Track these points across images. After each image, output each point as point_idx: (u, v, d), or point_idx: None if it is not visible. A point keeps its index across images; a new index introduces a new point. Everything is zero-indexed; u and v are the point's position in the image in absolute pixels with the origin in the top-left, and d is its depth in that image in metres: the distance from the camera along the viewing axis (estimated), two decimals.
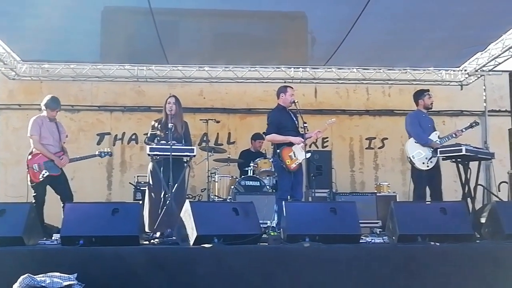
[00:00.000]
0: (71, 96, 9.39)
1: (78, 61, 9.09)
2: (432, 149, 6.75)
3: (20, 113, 9.44)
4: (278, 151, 6.43)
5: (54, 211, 6.46)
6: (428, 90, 7.21)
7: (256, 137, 8.86)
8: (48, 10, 6.97)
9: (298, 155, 6.37)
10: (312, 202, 6.86)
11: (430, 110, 7.15)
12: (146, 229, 5.99)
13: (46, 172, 6.47)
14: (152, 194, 6.38)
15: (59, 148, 6.70)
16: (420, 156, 6.80)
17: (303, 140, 6.35)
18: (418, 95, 7.19)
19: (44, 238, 5.50)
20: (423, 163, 6.79)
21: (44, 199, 6.48)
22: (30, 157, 6.52)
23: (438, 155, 6.61)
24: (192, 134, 7.00)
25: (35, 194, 6.45)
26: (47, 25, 7.40)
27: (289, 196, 6.36)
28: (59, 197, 6.57)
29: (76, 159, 6.92)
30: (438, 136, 6.94)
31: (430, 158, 6.78)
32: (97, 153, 7.18)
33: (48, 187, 6.58)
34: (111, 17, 7.68)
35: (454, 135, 6.94)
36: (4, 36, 8.06)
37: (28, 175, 6.48)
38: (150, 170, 6.43)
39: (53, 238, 5.64)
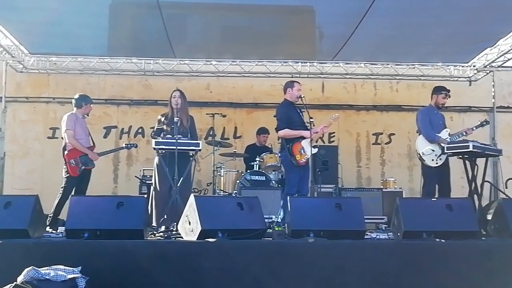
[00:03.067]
0: (78, 89, 9.26)
1: (85, 54, 9.11)
2: (441, 146, 6.72)
3: (27, 105, 9.50)
4: (288, 146, 6.42)
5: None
6: (448, 91, 7.10)
7: (261, 131, 8.84)
8: (56, 4, 6.99)
9: (307, 150, 6.35)
10: (317, 198, 6.84)
11: (439, 108, 7.10)
12: (153, 223, 6.02)
13: (82, 166, 6.68)
14: (158, 188, 6.39)
15: (90, 143, 6.94)
16: (430, 153, 6.78)
17: (313, 133, 6.34)
18: (435, 90, 7.15)
19: (50, 231, 5.53)
20: (433, 160, 6.77)
21: (71, 193, 6.57)
22: (67, 152, 6.66)
23: (446, 151, 6.57)
24: (198, 128, 7.00)
25: (65, 185, 6.61)
26: (55, 19, 7.42)
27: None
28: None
29: (106, 152, 7.23)
30: (449, 134, 6.91)
31: (440, 155, 6.75)
32: (124, 145, 7.66)
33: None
34: (119, 11, 7.70)
35: (464, 133, 6.93)
36: (12, 29, 8.09)
37: (65, 169, 6.64)
38: (156, 164, 6.44)
39: (58, 230, 5.68)
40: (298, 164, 6.36)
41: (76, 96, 7.02)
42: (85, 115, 7.05)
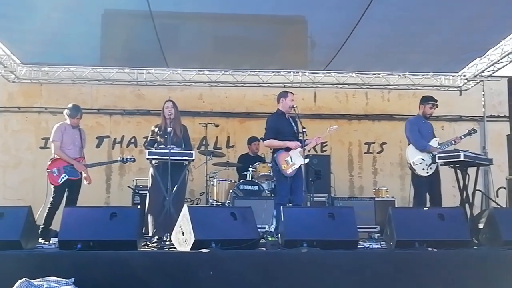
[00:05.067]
0: (70, 99, 9.26)
1: (78, 64, 9.11)
2: (432, 155, 6.76)
3: (19, 116, 9.48)
4: (274, 156, 6.45)
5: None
6: (435, 100, 7.14)
7: (251, 140, 8.88)
8: (48, 13, 6.97)
9: (295, 160, 6.36)
10: (310, 208, 6.85)
11: (427, 118, 7.15)
12: (150, 234, 6.03)
13: (65, 176, 6.63)
14: (152, 198, 6.38)
15: (79, 154, 6.89)
16: (420, 162, 6.81)
17: (299, 144, 6.36)
18: (422, 100, 7.20)
19: (42, 242, 5.50)
20: (423, 169, 6.79)
21: (59, 205, 6.57)
22: (49, 162, 6.68)
23: (437, 161, 6.61)
24: (191, 138, 7.00)
25: (53, 195, 6.60)
26: (47, 28, 7.41)
27: (289, 201, 6.36)
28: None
29: (99, 164, 7.18)
30: (438, 143, 6.95)
31: (430, 165, 6.78)
32: (119, 159, 7.51)
33: None
34: (111, 20, 7.69)
35: (453, 142, 6.95)
36: (4, 38, 8.07)
37: (48, 179, 6.63)
38: (151, 174, 6.43)
39: (50, 242, 5.65)
40: (285, 174, 6.37)
41: (70, 106, 6.99)
42: (78, 126, 6.99)
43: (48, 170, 6.63)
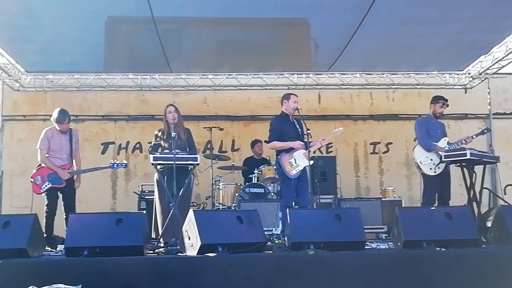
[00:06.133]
0: (75, 106, 9.42)
1: (82, 71, 9.14)
2: (439, 155, 6.73)
3: (25, 124, 9.51)
4: (278, 157, 6.43)
5: (61, 221, 6.49)
6: (445, 100, 7.13)
7: (254, 143, 8.90)
8: (52, 21, 7.01)
9: (299, 161, 6.35)
10: (316, 209, 6.83)
11: (437, 117, 7.13)
12: (161, 239, 6.00)
13: (48, 184, 6.54)
14: (159, 203, 6.38)
15: (68, 160, 6.74)
16: (427, 161, 6.79)
17: (302, 144, 6.34)
18: (433, 99, 7.20)
19: (49, 249, 5.50)
20: (430, 168, 6.77)
21: (55, 210, 6.55)
22: (34, 171, 6.64)
23: (443, 159, 6.58)
24: (196, 142, 7.00)
25: (47, 203, 6.54)
26: (51, 37, 7.46)
27: (294, 203, 6.34)
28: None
29: (88, 170, 6.90)
30: (448, 142, 6.92)
31: (438, 164, 6.75)
32: (109, 164, 6.99)
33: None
34: (114, 27, 7.72)
35: (464, 141, 6.91)
36: (8, 47, 8.11)
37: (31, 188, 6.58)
38: (156, 180, 6.43)
39: (57, 249, 5.65)
40: (288, 175, 6.35)
41: (56, 111, 6.78)
42: (67, 130, 6.81)
43: (31, 179, 6.58)
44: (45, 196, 6.57)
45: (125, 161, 7.13)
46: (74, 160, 6.84)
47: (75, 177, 6.76)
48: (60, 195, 6.66)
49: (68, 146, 6.77)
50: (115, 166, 7.01)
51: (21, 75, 9.07)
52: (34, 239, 4.80)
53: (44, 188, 6.53)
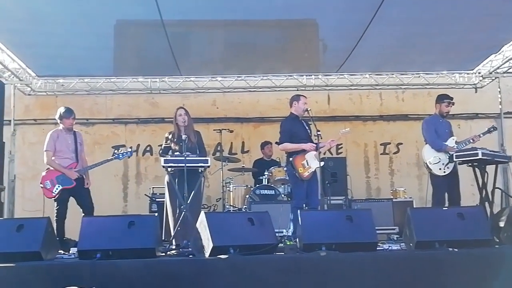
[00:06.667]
0: (85, 110, 9.48)
1: (92, 75, 9.20)
2: (449, 155, 6.70)
3: (36, 128, 9.56)
4: (290, 159, 6.43)
5: (73, 224, 6.49)
6: (450, 98, 7.08)
7: (264, 144, 8.93)
8: (61, 26, 7.06)
9: (311, 163, 6.35)
10: (327, 210, 6.83)
11: (444, 116, 7.09)
12: (174, 241, 6.01)
13: (59, 186, 6.52)
14: (170, 205, 6.40)
15: (75, 160, 6.72)
16: (436, 161, 6.76)
17: (314, 145, 6.34)
18: (438, 99, 7.15)
19: (62, 252, 5.53)
20: (440, 168, 6.74)
21: (65, 214, 6.55)
22: (44, 173, 6.62)
23: (454, 159, 6.55)
24: (206, 144, 7.02)
25: (57, 207, 6.52)
26: (60, 41, 7.50)
27: (304, 205, 6.34)
28: (81, 210, 6.61)
29: (92, 166, 6.84)
30: (456, 141, 6.89)
31: (447, 164, 6.73)
32: (114, 156, 6.90)
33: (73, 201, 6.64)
34: (124, 31, 7.75)
35: (471, 140, 6.88)
36: (19, 52, 8.18)
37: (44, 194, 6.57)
38: (167, 182, 6.45)
39: (70, 252, 5.68)
40: (301, 177, 6.35)
41: (61, 109, 6.84)
42: (72, 129, 6.83)
43: (40, 185, 6.54)
44: (56, 201, 6.53)
45: (129, 149, 7.07)
46: (80, 161, 6.82)
47: (84, 176, 6.72)
48: (73, 200, 6.63)
49: (73, 146, 6.76)
50: (120, 156, 6.93)
51: (32, 80, 9.14)
52: (47, 242, 4.83)
53: (55, 191, 6.50)
